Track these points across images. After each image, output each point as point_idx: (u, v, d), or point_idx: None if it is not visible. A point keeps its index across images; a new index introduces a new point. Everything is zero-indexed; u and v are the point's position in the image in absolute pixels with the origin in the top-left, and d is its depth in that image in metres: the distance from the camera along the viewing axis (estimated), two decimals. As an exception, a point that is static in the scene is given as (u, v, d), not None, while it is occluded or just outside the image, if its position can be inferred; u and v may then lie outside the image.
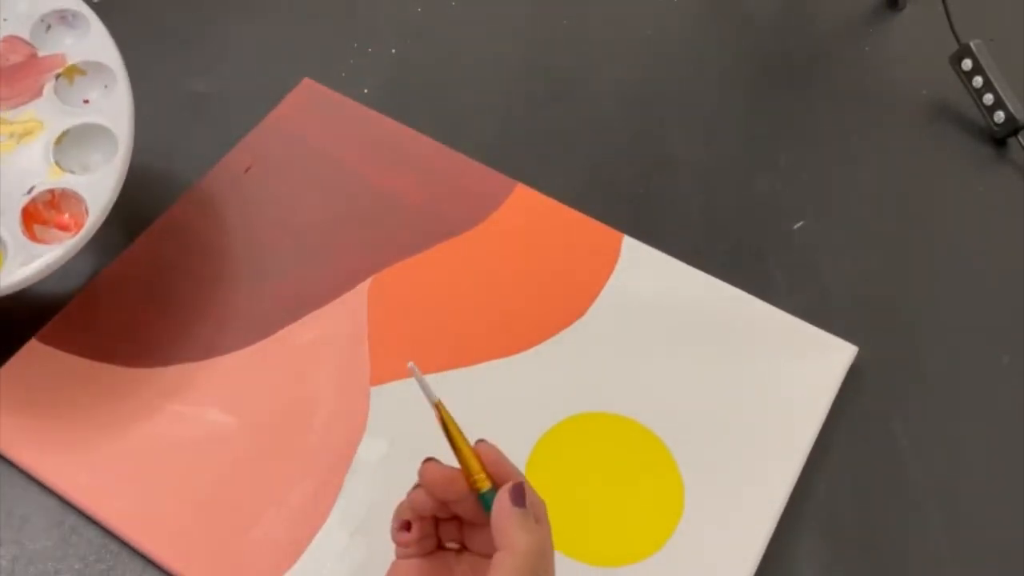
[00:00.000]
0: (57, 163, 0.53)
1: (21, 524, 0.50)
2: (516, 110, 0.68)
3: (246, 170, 0.63)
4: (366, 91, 0.68)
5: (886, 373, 0.57)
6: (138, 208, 0.61)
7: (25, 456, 0.51)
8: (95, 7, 0.57)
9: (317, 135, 0.64)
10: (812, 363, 0.56)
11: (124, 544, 0.50)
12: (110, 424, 0.52)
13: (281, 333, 0.56)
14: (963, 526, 0.52)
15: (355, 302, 0.57)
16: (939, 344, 0.58)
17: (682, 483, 0.52)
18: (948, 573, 0.51)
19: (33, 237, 0.51)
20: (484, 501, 0.39)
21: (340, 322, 0.57)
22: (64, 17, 0.57)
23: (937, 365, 0.58)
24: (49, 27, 0.57)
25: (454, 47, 0.71)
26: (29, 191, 0.52)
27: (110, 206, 0.52)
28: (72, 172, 0.53)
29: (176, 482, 0.51)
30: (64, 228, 0.52)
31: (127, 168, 0.53)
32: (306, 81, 0.67)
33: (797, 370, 0.55)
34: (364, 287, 0.58)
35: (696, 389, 0.55)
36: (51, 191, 0.52)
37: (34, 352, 0.54)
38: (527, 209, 0.62)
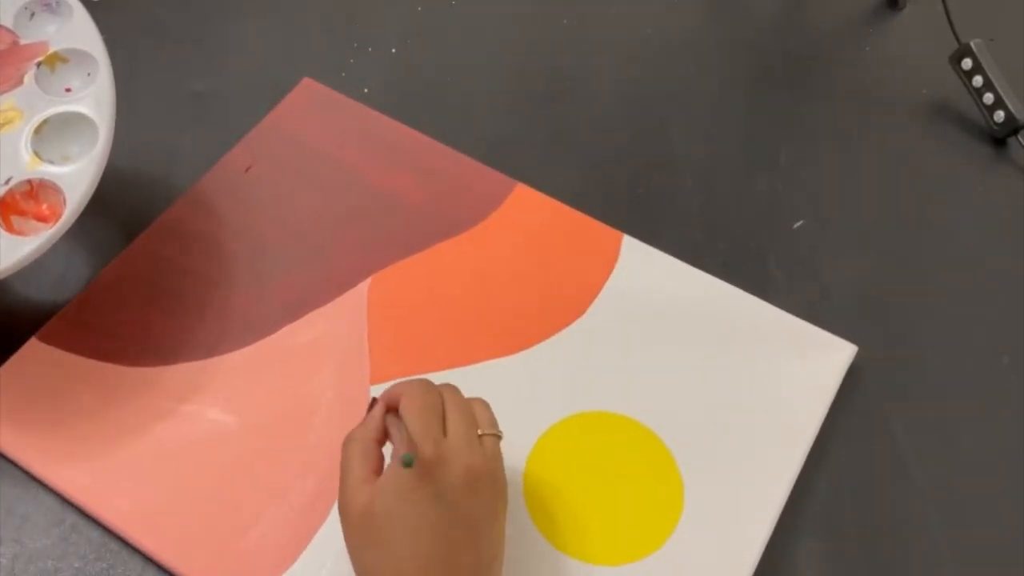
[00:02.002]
0: (36, 153, 0.52)
1: (21, 523, 0.50)
2: (516, 110, 0.68)
3: (246, 170, 0.63)
4: (366, 91, 0.68)
5: (886, 373, 0.57)
6: (138, 208, 0.61)
7: (25, 455, 0.51)
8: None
9: (317, 135, 0.64)
10: (812, 363, 0.56)
11: (124, 543, 0.50)
12: (110, 423, 0.52)
13: (281, 333, 0.56)
14: (963, 526, 0.52)
15: (355, 302, 0.57)
16: (939, 344, 0.58)
17: (682, 482, 0.52)
18: (948, 573, 0.51)
19: (10, 228, 0.50)
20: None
21: (340, 322, 0.57)
22: (48, 4, 0.56)
23: (937, 365, 0.58)
24: (33, 14, 0.56)
25: (454, 47, 0.72)
26: (6, 181, 0.51)
27: (88, 197, 0.51)
28: (52, 162, 0.52)
29: (176, 481, 0.51)
30: (43, 219, 0.51)
31: (107, 157, 0.52)
32: (306, 81, 0.67)
33: (797, 370, 0.55)
34: (364, 287, 0.58)
35: (696, 389, 0.55)
36: (29, 182, 0.51)
37: (34, 351, 0.54)
38: (527, 209, 0.62)
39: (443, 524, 0.42)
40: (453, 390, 0.47)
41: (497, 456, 0.45)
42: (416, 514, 0.41)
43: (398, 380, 0.48)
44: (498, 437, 0.46)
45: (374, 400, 0.47)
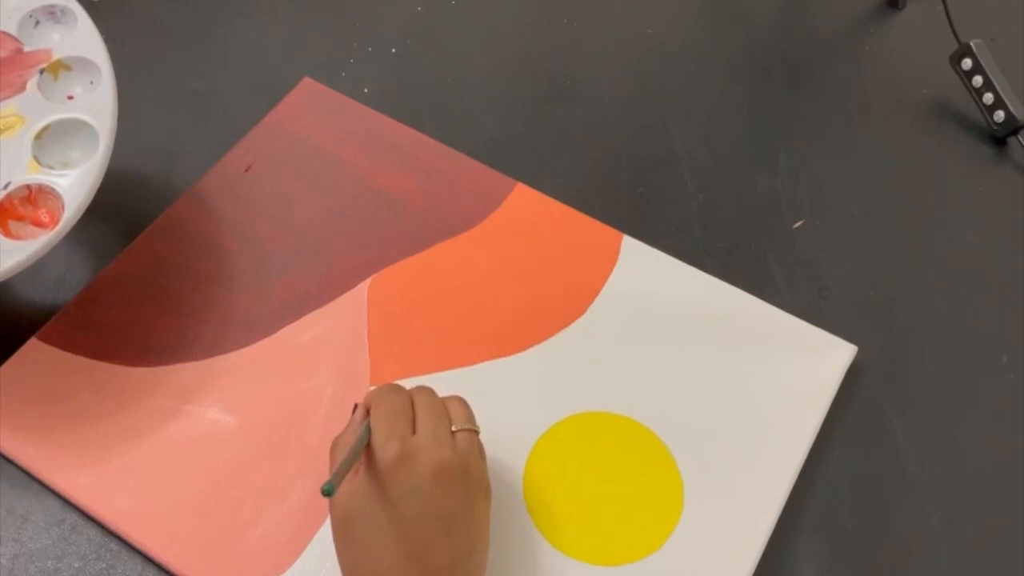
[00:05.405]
0: (36, 159, 0.52)
1: (21, 522, 0.50)
2: (516, 110, 0.68)
3: (246, 170, 0.63)
4: (366, 91, 0.68)
5: (886, 373, 0.57)
6: (138, 207, 0.61)
7: (25, 455, 0.51)
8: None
9: (317, 135, 0.64)
10: (812, 363, 0.56)
11: (124, 543, 0.50)
12: (110, 423, 0.52)
13: (281, 333, 0.56)
14: (962, 525, 0.52)
15: (355, 302, 0.57)
16: (939, 344, 0.58)
17: (682, 482, 0.52)
18: (947, 573, 0.51)
19: (7, 233, 0.50)
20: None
21: (340, 321, 0.57)
22: (52, 12, 0.56)
23: (937, 365, 0.58)
24: (37, 22, 0.56)
25: (454, 47, 0.72)
26: (5, 186, 0.51)
27: (88, 203, 0.51)
28: (52, 167, 0.52)
29: (176, 481, 0.51)
30: (40, 225, 0.51)
31: (107, 164, 0.52)
32: (306, 81, 0.67)
33: (797, 370, 0.55)
34: (364, 286, 0.58)
35: (696, 389, 0.55)
36: (28, 187, 0.51)
37: (34, 351, 0.54)
38: (527, 209, 0.62)
39: (414, 519, 0.43)
40: (424, 391, 0.48)
41: (471, 450, 0.46)
42: (387, 511, 0.43)
43: (398, 380, 0.48)
44: (474, 432, 0.46)
45: (356, 406, 0.48)
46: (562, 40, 0.72)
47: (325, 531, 0.49)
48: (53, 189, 0.51)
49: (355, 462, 0.44)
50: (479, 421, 0.47)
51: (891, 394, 0.56)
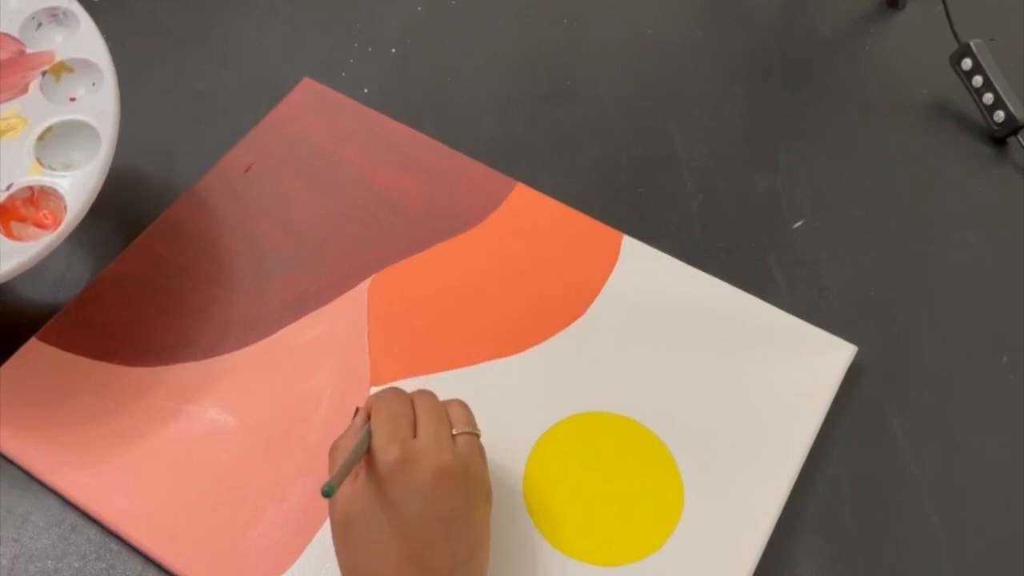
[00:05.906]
0: (38, 160, 0.52)
1: (21, 522, 0.50)
2: (516, 110, 0.68)
3: (246, 170, 0.63)
4: (366, 91, 0.68)
5: (885, 373, 0.57)
6: (138, 207, 0.61)
7: (25, 455, 0.51)
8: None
9: (317, 135, 0.64)
10: (812, 363, 0.56)
11: (124, 543, 0.50)
12: (110, 423, 0.52)
13: (281, 333, 0.56)
14: (962, 525, 0.52)
15: (355, 302, 0.57)
16: (939, 344, 0.58)
17: (682, 483, 0.52)
18: (947, 572, 0.51)
19: (9, 234, 0.50)
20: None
21: (340, 322, 0.57)
22: (55, 14, 0.57)
23: (937, 365, 0.58)
24: (40, 24, 0.57)
25: (454, 47, 0.72)
26: (7, 188, 0.51)
27: (89, 204, 0.51)
28: (53, 168, 0.52)
29: (176, 481, 0.51)
30: (42, 226, 0.51)
31: (109, 166, 0.52)
32: (306, 81, 0.67)
33: (797, 370, 0.55)
34: (364, 287, 0.58)
35: (695, 389, 0.55)
36: (30, 188, 0.51)
37: (34, 351, 0.54)
38: (527, 209, 0.62)
39: (415, 522, 0.43)
40: (425, 395, 0.48)
41: (472, 453, 0.46)
42: (387, 514, 0.43)
43: (398, 380, 0.48)
44: (475, 435, 0.46)
45: (357, 410, 0.48)
46: (562, 40, 0.72)
47: (325, 531, 0.49)
48: (55, 190, 0.51)
49: (355, 465, 0.44)
50: (479, 421, 0.48)
51: (891, 394, 0.56)
